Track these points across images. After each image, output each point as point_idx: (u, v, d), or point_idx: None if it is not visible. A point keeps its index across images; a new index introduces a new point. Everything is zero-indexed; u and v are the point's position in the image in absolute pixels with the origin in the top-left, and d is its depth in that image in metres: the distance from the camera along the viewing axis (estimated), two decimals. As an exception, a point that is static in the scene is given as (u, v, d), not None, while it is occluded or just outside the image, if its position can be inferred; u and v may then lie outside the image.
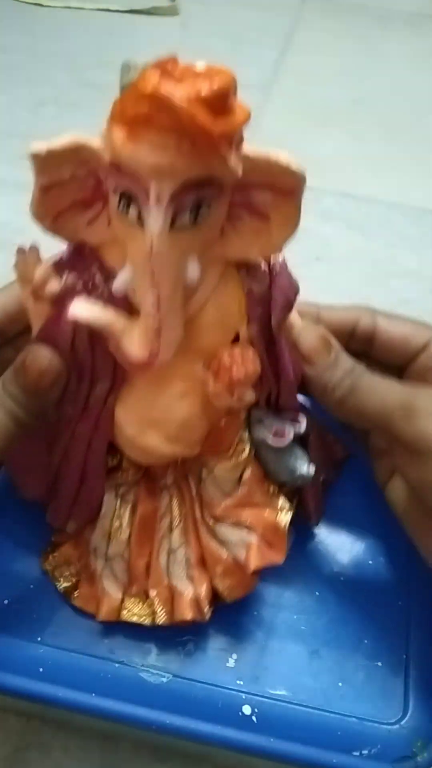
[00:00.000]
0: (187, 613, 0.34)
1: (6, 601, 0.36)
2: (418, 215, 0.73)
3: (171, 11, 1.00)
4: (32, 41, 0.94)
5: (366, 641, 0.35)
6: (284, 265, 0.30)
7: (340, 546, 0.39)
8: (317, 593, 0.37)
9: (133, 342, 0.27)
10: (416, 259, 0.67)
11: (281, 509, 0.35)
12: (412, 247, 0.69)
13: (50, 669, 0.34)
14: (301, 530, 0.38)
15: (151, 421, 0.31)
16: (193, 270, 0.26)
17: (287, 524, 0.35)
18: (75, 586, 0.36)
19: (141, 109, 0.21)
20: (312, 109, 0.85)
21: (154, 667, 0.34)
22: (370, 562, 0.38)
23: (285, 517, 0.35)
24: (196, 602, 0.34)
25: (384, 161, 0.79)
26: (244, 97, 0.22)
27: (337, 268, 0.66)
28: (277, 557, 0.34)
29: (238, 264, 0.29)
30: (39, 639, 0.35)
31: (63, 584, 0.36)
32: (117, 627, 0.35)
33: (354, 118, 0.85)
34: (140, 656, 0.34)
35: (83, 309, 0.27)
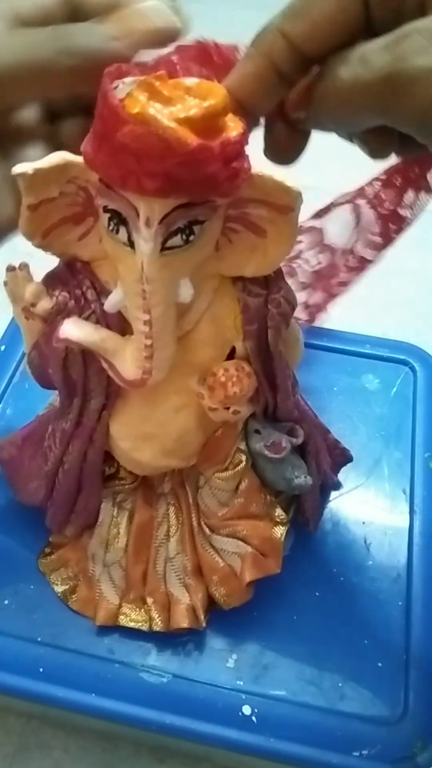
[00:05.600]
0: (183, 621, 0.34)
1: (6, 601, 0.36)
2: (418, 215, 0.72)
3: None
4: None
5: (366, 641, 0.35)
6: (281, 277, 0.29)
7: (340, 546, 0.39)
8: (317, 593, 0.37)
9: (126, 361, 0.27)
10: (416, 259, 0.67)
11: (277, 520, 0.35)
12: (412, 247, 0.69)
13: (50, 669, 0.34)
14: (300, 531, 0.38)
15: (146, 435, 0.31)
16: (185, 290, 0.25)
17: (283, 535, 0.35)
18: (73, 589, 0.36)
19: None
20: (312, 109, 0.85)
21: (154, 667, 0.34)
22: (370, 562, 0.38)
23: (281, 529, 0.35)
24: (193, 610, 0.34)
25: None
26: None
27: (337, 268, 0.66)
28: (272, 568, 0.34)
29: (234, 276, 0.28)
30: (39, 639, 0.35)
31: (61, 587, 0.36)
32: (117, 627, 0.35)
33: (354, 118, 0.85)
34: (140, 656, 0.34)
35: (73, 329, 0.27)
